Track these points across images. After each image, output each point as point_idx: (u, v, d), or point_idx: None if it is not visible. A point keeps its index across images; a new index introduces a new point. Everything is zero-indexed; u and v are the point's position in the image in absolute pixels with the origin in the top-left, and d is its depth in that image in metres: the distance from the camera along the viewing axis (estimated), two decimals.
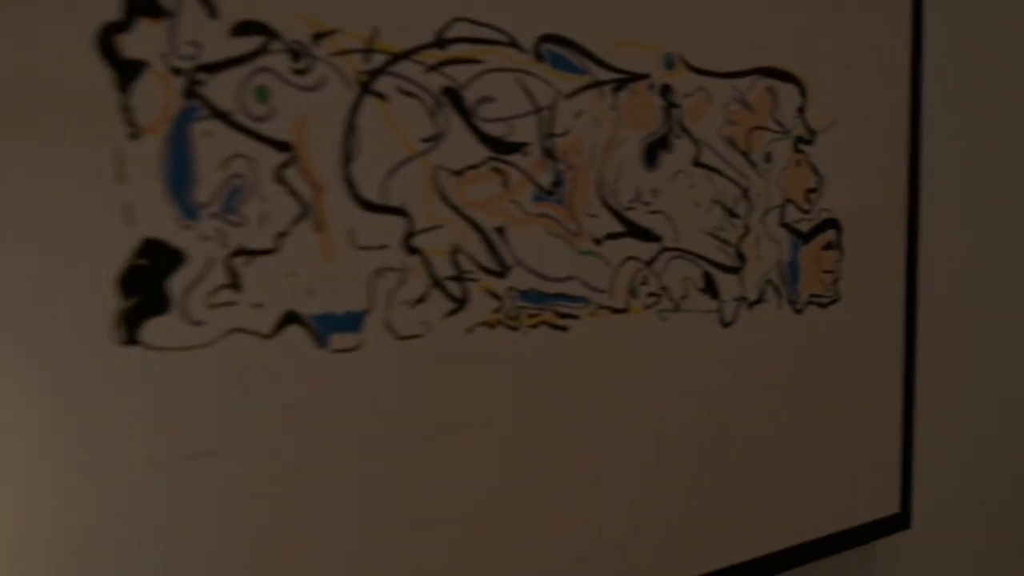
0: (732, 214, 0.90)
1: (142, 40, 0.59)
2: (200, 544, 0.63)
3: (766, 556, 0.97)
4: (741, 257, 0.91)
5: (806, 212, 0.96)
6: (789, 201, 0.95)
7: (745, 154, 0.90)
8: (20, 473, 0.57)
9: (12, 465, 0.56)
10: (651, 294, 0.84)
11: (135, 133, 0.59)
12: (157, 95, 0.60)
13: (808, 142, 0.96)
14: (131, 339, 0.60)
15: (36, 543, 0.57)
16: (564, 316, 0.79)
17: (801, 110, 0.95)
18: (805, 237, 0.96)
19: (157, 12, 0.60)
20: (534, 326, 0.77)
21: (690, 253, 0.87)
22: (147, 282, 0.60)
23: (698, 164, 0.87)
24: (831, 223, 0.99)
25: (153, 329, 0.60)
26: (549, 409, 0.78)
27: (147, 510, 0.61)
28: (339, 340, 0.68)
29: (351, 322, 0.68)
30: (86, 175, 0.58)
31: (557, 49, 0.77)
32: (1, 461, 0.56)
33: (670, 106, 0.84)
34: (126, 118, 0.59)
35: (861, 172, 1.01)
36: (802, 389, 0.98)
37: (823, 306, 0.99)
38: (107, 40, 0.58)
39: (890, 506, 1.09)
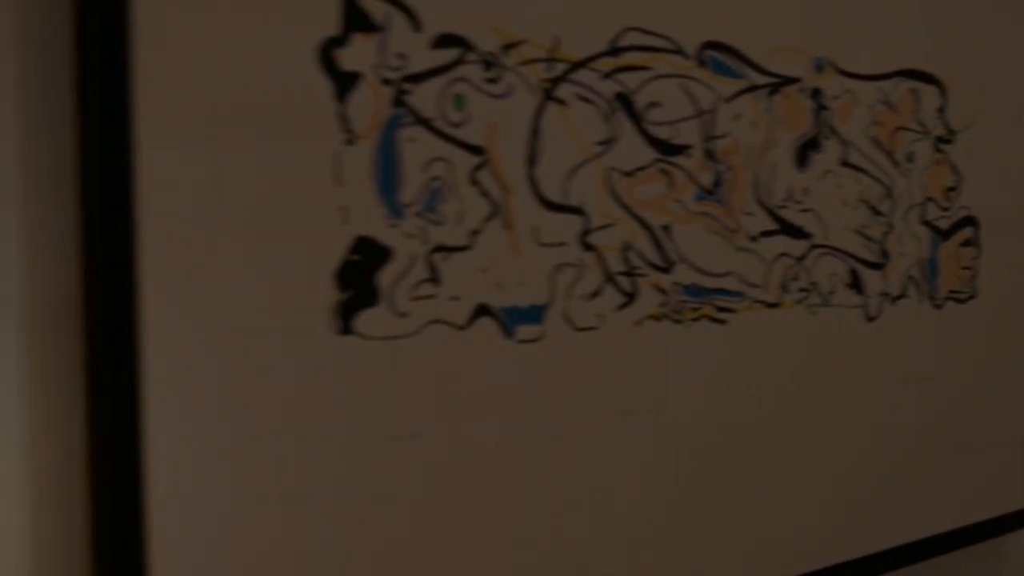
0: (876, 212, 0.92)
1: (357, 53, 0.64)
2: (405, 519, 0.68)
3: (899, 547, 1.00)
4: (885, 254, 0.93)
5: (945, 210, 0.99)
6: (930, 199, 0.97)
7: (889, 154, 0.93)
8: (250, 451, 0.62)
9: (246, 444, 0.62)
10: (802, 289, 0.87)
11: (350, 139, 0.64)
12: (369, 104, 0.65)
13: (948, 142, 0.98)
14: (346, 329, 0.65)
15: (261, 513, 0.63)
16: (722, 310, 0.83)
17: (941, 110, 0.97)
18: (944, 234, 0.99)
19: (370, 27, 0.65)
20: (695, 319, 0.81)
21: (838, 250, 0.90)
22: (360, 276, 0.65)
23: (845, 164, 0.90)
24: (969, 220, 1.01)
25: (365, 320, 0.65)
26: (708, 398, 0.82)
27: (359, 487, 0.66)
28: (524, 331, 0.72)
29: (534, 314, 0.72)
30: (309, 178, 0.63)
31: (718, 55, 0.81)
32: (233, 439, 0.62)
33: (820, 108, 0.88)
34: (343, 126, 0.64)
35: (998, 171, 1.03)
36: (938, 382, 1.00)
37: (961, 302, 1.01)
38: (328, 54, 0.63)
39: (1022, 500, 1.11)
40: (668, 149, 0.78)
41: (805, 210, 0.87)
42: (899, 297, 0.95)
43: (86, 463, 0.60)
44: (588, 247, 0.75)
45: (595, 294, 0.75)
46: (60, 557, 0.60)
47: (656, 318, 0.79)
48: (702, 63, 0.80)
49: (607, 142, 0.75)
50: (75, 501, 0.60)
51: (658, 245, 0.78)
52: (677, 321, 0.80)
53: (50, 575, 0.60)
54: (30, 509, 0.59)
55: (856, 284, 0.91)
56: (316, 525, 0.64)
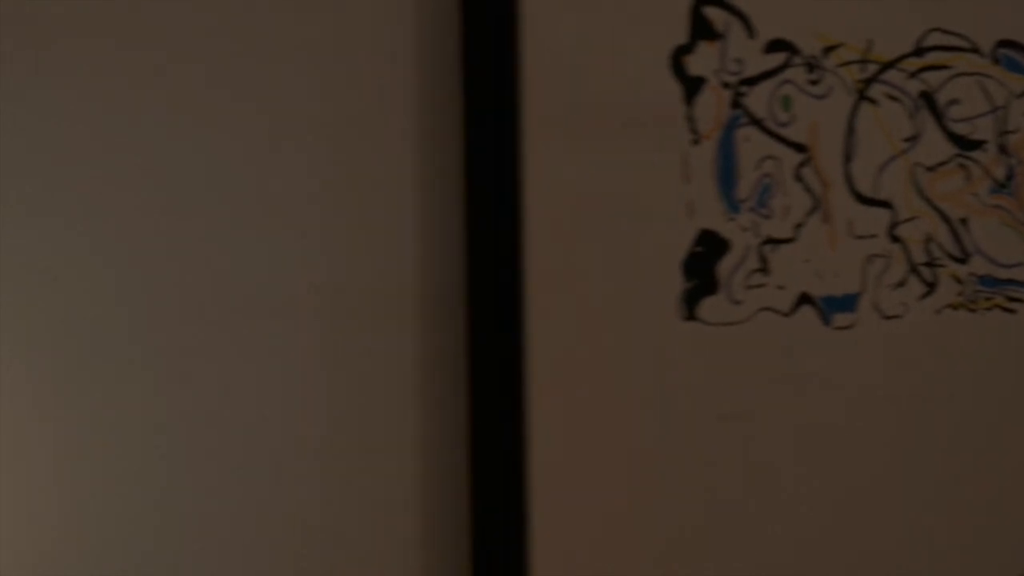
0: None
1: (702, 60, 0.70)
2: (733, 495, 0.72)
3: None
4: None
5: None
6: None
7: None
8: (615, 431, 0.68)
9: (613, 425, 0.68)
10: None
11: (696, 139, 0.69)
12: (712, 106, 0.70)
13: None
14: (690, 316, 0.70)
15: (626, 488, 0.68)
16: (1013, 300, 0.85)
17: None
18: None
19: (713, 35, 0.70)
20: (988, 309, 0.84)
21: None
22: (703, 267, 0.70)
23: None
24: None
25: (706, 307, 0.70)
26: (999, 387, 0.85)
27: (697, 464, 0.71)
28: (839, 319, 0.76)
29: (848, 303, 0.77)
30: (662, 176, 0.69)
31: (1010, 53, 0.83)
32: (603, 420, 0.67)
33: None
34: (690, 126, 0.69)
35: None
36: None
37: None
38: (678, 61, 0.69)
39: None
40: (966, 145, 0.81)
41: None
42: None
43: (469, 445, 0.66)
44: (895, 239, 0.78)
45: (901, 284, 0.79)
46: (446, 531, 0.67)
47: (954, 307, 0.82)
48: (996, 61, 0.83)
49: (912, 139, 0.79)
50: (459, 479, 0.67)
51: (956, 237, 0.81)
52: (972, 310, 0.83)
53: (435, 547, 0.66)
54: (419, 486, 0.66)
55: None
56: (667, 502, 0.69)
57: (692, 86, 0.69)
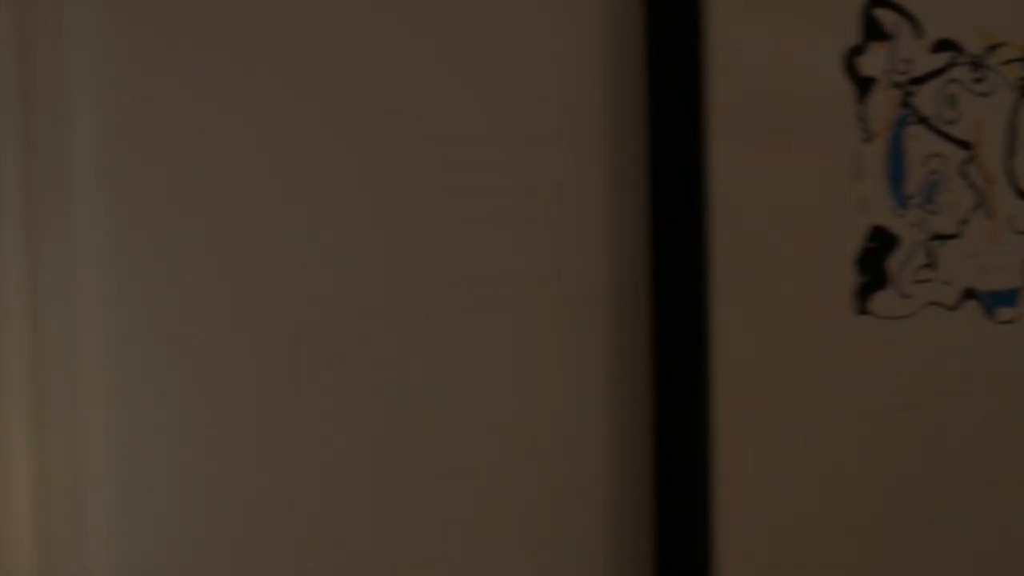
0: None
1: (873, 60, 0.71)
2: (903, 485, 0.74)
3: None
4: None
5: None
6: None
7: None
8: (799, 427, 0.70)
9: (800, 425, 0.70)
10: None
11: (867, 138, 0.71)
12: (882, 105, 0.72)
13: None
14: (863, 309, 0.72)
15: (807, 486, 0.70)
16: None
17: None
18: None
19: (883, 36, 0.72)
20: None
21: None
22: (874, 262, 0.72)
23: None
24: None
25: (877, 301, 0.72)
26: None
27: (867, 454, 0.73)
28: (1002, 313, 0.77)
29: (1010, 298, 0.78)
30: (835, 173, 0.71)
31: None
32: (787, 420, 0.69)
33: None
34: (862, 125, 0.71)
35: None
36: None
37: None
38: (850, 61, 0.70)
39: None
40: None
41: None
42: None
43: (653, 441, 0.69)
44: None
45: None
46: (628, 528, 0.69)
47: None
48: None
49: None
50: (642, 475, 0.69)
51: None
52: None
53: (618, 544, 0.69)
54: (602, 483, 0.68)
55: None
56: (850, 494, 0.71)
57: (864, 86, 0.71)
